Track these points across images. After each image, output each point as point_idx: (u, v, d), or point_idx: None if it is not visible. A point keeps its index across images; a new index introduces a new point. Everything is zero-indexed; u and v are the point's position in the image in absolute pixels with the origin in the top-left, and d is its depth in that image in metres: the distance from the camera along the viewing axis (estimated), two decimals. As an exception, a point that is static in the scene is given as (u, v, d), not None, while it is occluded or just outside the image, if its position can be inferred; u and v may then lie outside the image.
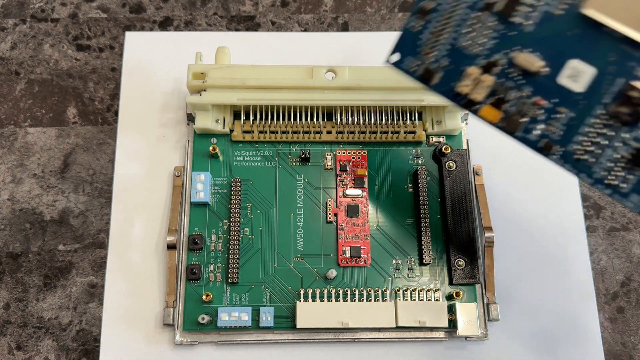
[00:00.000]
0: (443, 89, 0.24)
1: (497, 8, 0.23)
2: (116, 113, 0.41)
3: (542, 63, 0.22)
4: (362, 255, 0.35)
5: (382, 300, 0.34)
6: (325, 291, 0.35)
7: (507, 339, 0.36)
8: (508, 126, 0.23)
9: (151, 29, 0.44)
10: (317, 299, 0.35)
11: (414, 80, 0.25)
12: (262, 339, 0.35)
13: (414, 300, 0.35)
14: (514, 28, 0.23)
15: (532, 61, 0.22)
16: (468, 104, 0.24)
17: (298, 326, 0.33)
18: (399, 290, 0.35)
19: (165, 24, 0.44)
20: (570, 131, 0.23)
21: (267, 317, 0.34)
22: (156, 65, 0.41)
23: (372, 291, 0.35)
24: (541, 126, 0.23)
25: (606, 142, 0.22)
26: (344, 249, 0.36)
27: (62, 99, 0.42)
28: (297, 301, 0.34)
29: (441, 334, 0.35)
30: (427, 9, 0.24)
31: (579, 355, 0.36)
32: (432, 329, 0.34)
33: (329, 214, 0.36)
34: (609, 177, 0.22)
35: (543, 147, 0.23)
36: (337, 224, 0.36)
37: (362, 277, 0.36)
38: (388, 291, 0.35)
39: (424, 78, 0.24)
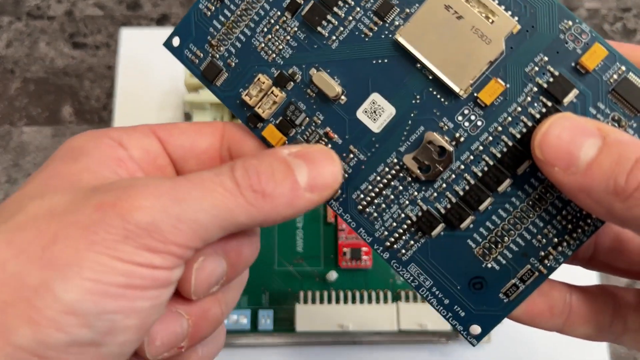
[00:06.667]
0: (226, 94, 0.20)
1: (303, 12, 0.19)
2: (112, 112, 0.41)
3: (341, 90, 0.19)
4: (362, 257, 0.35)
5: (384, 303, 0.34)
6: (326, 293, 0.34)
7: (510, 342, 0.35)
8: None
9: (148, 26, 0.43)
10: (317, 301, 0.34)
11: (195, 76, 0.21)
12: (261, 342, 0.34)
13: (415, 302, 0.34)
14: (317, 41, 0.19)
15: (331, 85, 0.19)
16: (251, 119, 0.20)
17: (297, 329, 0.33)
18: (400, 293, 0.34)
19: (162, 21, 0.43)
20: (358, 176, 0.19)
21: (266, 320, 0.33)
22: (153, 62, 0.41)
23: (373, 294, 0.34)
24: None
25: (393, 197, 0.19)
26: (345, 250, 0.35)
27: (57, 97, 0.41)
28: (297, 304, 0.33)
29: (443, 338, 0.34)
30: None
31: (584, 358, 0.35)
32: (434, 332, 0.34)
33: (329, 214, 0.36)
34: (390, 239, 0.19)
35: None
36: (337, 225, 0.36)
37: (362, 279, 0.35)
38: (389, 293, 0.34)
39: (206, 76, 0.20)
